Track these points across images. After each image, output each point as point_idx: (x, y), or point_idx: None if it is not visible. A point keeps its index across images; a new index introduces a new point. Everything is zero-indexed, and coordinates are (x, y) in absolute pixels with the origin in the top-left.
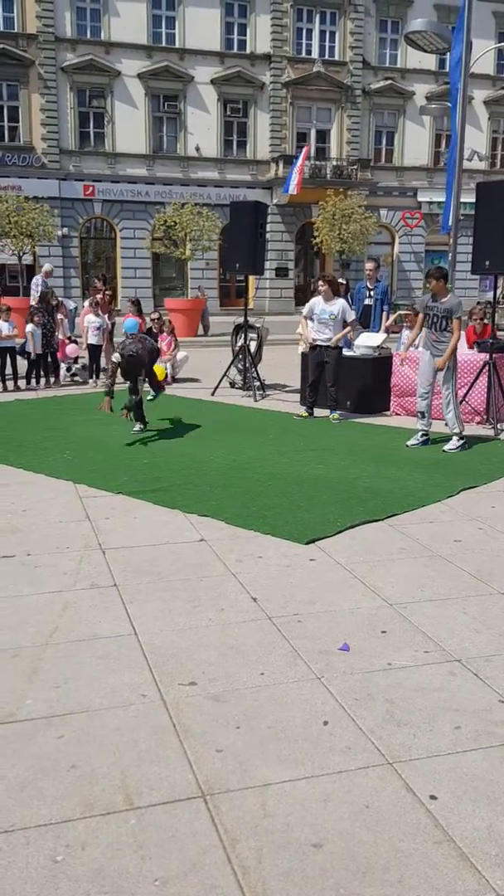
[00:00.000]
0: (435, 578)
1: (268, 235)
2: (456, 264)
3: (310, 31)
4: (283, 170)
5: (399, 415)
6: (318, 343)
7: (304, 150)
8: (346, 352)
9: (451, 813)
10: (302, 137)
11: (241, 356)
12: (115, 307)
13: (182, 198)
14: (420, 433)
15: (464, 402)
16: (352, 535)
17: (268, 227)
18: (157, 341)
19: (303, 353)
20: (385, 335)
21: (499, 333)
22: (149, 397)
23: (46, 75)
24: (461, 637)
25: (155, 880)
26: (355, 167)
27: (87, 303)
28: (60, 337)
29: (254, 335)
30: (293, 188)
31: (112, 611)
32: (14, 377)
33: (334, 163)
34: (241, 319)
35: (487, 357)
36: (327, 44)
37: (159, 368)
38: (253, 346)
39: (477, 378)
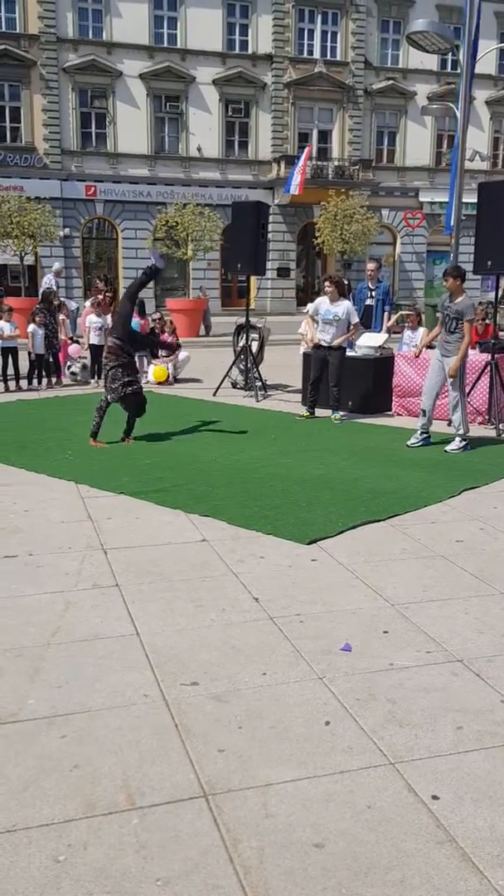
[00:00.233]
0: (437, 579)
1: (269, 236)
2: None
3: (311, 32)
4: (285, 170)
5: (401, 415)
6: (322, 343)
7: (306, 150)
8: (348, 352)
9: (452, 813)
10: (304, 138)
11: (242, 356)
12: (117, 306)
13: (184, 198)
14: (420, 432)
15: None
16: (353, 535)
17: (269, 228)
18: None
19: (305, 353)
20: (387, 335)
21: (500, 334)
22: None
23: (48, 76)
24: (463, 637)
25: (157, 880)
26: (357, 167)
27: (88, 303)
28: (62, 337)
29: (255, 335)
30: (295, 188)
31: (114, 611)
32: (16, 377)
33: (336, 163)
34: (242, 320)
35: (489, 357)
36: (329, 44)
37: (161, 369)
38: (254, 346)
39: (479, 378)
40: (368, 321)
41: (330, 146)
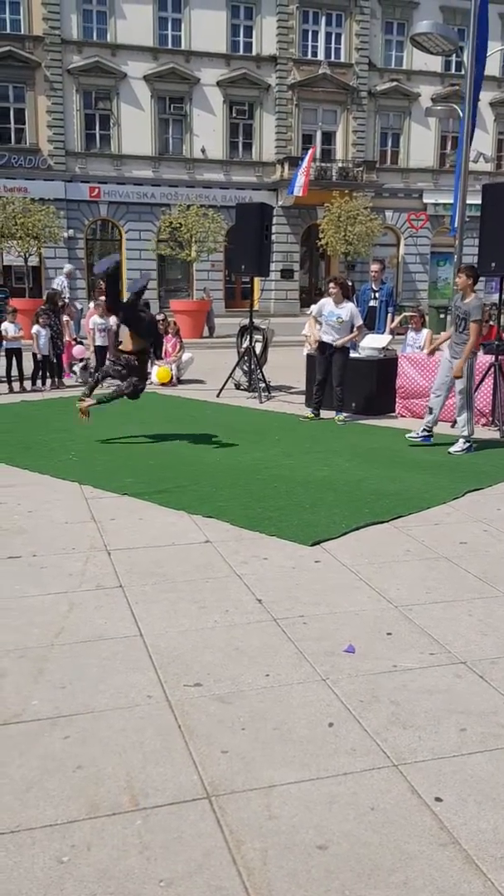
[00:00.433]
0: (440, 580)
1: (273, 237)
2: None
3: (315, 33)
4: (289, 171)
5: (404, 416)
6: (325, 343)
7: (310, 151)
8: (351, 353)
9: (456, 815)
10: (307, 139)
11: (246, 358)
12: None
13: (188, 199)
14: (422, 428)
15: None
16: (357, 536)
17: (273, 229)
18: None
19: (308, 354)
20: (390, 337)
21: None
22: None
23: (53, 77)
24: (467, 639)
25: (160, 881)
26: (361, 169)
27: (92, 304)
28: (67, 338)
29: (259, 337)
30: (299, 190)
31: (117, 612)
32: (20, 378)
33: (340, 164)
34: (246, 321)
35: (493, 359)
36: (333, 46)
37: (164, 370)
38: (258, 347)
39: (482, 380)
40: (372, 323)
41: (334, 148)
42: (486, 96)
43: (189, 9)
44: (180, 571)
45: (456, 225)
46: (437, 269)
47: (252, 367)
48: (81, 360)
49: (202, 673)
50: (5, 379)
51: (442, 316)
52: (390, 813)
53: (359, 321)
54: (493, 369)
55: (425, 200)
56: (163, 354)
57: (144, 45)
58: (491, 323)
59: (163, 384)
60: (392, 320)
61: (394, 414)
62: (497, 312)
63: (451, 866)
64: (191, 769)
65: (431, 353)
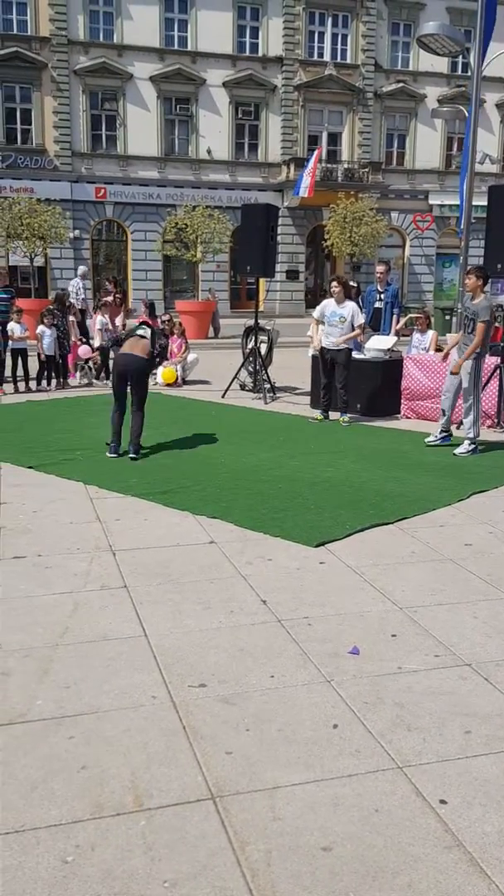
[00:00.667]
0: (445, 582)
1: (279, 238)
2: (468, 267)
3: (322, 34)
4: (295, 172)
5: (409, 418)
6: (329, 348)
7: (316, 152)
8: (356, 354)
9: (460, 818)
10: (313, 140)
11: (251, 358)
12: (128, 307)
13: (193, 200)
14: (440, 431)
15: None
16: (361, 538)
17: (279, 230)
18: (168, 343)
19: (313, 355)
20: (396, 338)
21: None
22: (130, 455)
23: (59, 78)
24: (472, 641)
25: (164, 882)
26: (367, 170)
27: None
28: (73, 339)
29: (264, 337)
30: (305, 191)
31: (122, 612)
32: (25, 378)
33: (346, 165)
34: (251, 322)
35: (499, 361)
36: (339, 47)
37: (170, 371)
38: (263, 348)
39: (488, 382)
40: (377, 324)
41: (340, 149)
42: (492, 97)
43: (195, 10)
44: (185, 572)
45: (462, 226)
46: (443, 271)
47: (257, 367)
48: (87, 360)
49: (206, 674)
50: (11, 379)
51: (447, 317)
52: (395, 815)
53: (359, 320)
54: (498, 371)
55: (431, 202)
56: (168, 355)
57: (151, 46)
58: (497, 325)
59: (168, 385)
60: (397, 322)
61: (399, 415)
62: (503, 314)
63: (456, 869)
64: (195, 770)
65: (445, 357)
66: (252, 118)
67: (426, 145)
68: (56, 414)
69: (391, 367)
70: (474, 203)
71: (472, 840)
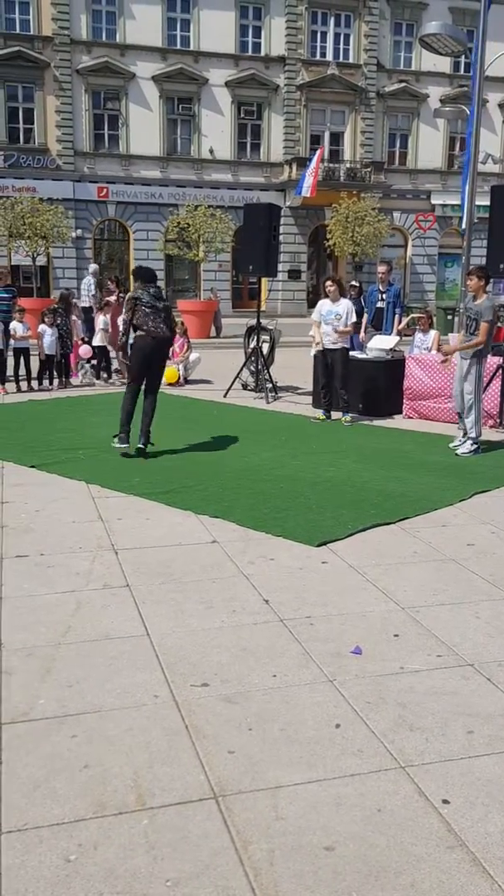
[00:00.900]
0: (447, 582)
1: (281, 238)
2: (470, 267)
3: (324, 34)
4: (297, 172)
5: (411, 418)
6: (325, 347)
7: (318, 152)
8: (358, 354)
9: (463, 818)
10: (316, 140)
11: (253, 358)
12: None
13: (195, 200)
14: (463, 434)
15: None
16: (363, 538)
17: (281, 230)
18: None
19: (315, 355)
20: (398, 338)
21: None
22: (139, 445)
23: (62, 77)
24: (474, 641)
25: (167, 881)
26: (369, 170)
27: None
28: (75, 338)
29: (266, 337)
30: (307, 190)
31: (124, 611)
32: (27, 378)
33: (348, 165)
34: (253, 321)
35: (501, 361)
36: (342, 46)
37: (171, 370)
38: (265, 347)
39: (490, 382)
40: (379, 324)
41: (342, 148)
42: (494, 97)
43: (198, 9)
44: (187, 571)
45: (464, 226)
46: (445, 271)
47: (259, 367)
48: (88, 359)
49: (209, 673)
50: (13, 378)
51: (449, 317)
52: (397, 815)
53: (352, 318)
54: (500, 371)
55: (433, 201)
56: (171, 354)
57: (153, 46)
58: (500, 324)
59: (170, 384)
60: (399, 321)
61: (401, 415)
62: None
63: (459, 869)
64: (197, 769)
65: (445, 360)
66: (254, 118)
67: (428, 145)
68: (58, 413)
69: (393, 367)
70: (477, 203)
71: (475, 840)
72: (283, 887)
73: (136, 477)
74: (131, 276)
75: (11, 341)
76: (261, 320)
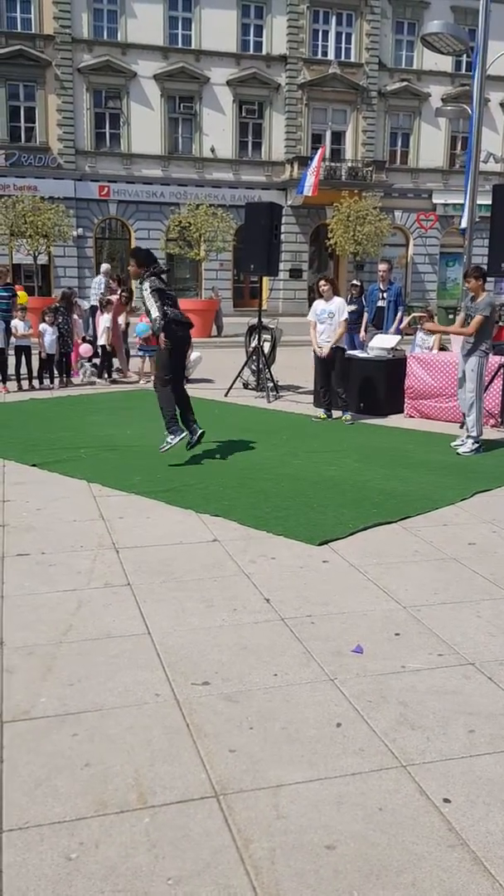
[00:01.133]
0: (449, 581)
1: (282, 237)
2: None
3: (326, 33)
4: (298, 171)
5: (413, 417)
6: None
7: (320, 151)
8: (359, 353)
9: (464, 817)
10: (317, 139)
11: (254, 357)
12: (132, 307)
13: (197, 199)
14: (465, 434)
15: None
16: (365, 537)
17: (282, 229)
18: None
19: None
20: (399, 337)
21: None
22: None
23: (63, 76)
24: (475, 640)
25: (168, 879)
26: (370, 169)
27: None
28: (76, 338)
29: (267, 336)
30: (309, 189)
31: (126, 610)
32: (29, 376)
33: (349, 164)
34: (254, 320)
35: (502, 360)
36: (343, 45)
37: None
38: (266, 347)
39: (491, 381)
40: (381, 323)
41: (343, 147)
42: (496, 96)
43: (199, 8)
44: (188, 570)
45: (465, 224)
46: (447, 270)
47: (260, 366)
48: (89, 358)
49: (210, 672)
50: (14, 377)
51: (451, 316)
52: (398, 814)
53: (343, 316)
54: (502, 370)
55: (435, 201)
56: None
57: (155, 45)
58: (500, 324)
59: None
60: (400, 320)
61: (402, 414)
62: None
63: (460, 868)
64: (199, 768)
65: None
66: (256, 117)
67: (430, 144)
68: (59, 412)
69: (395, 366)
70: (479, 202)
71: (476, 839)
72: (284, 886)
73: (137, 476)
74: (133, 258)
75: (13, 339)
76: (262, 319)
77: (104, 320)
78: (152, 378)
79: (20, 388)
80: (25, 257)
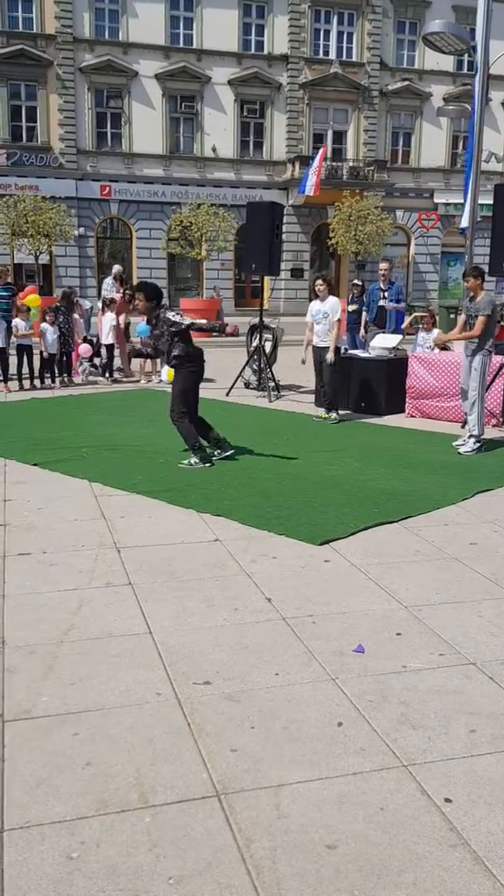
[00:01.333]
0: (450, 581)
1: (283, 236)
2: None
3: (327, 32)
4: (300, 171)
5: (414, 417)
6: (317, 346)
7: (321, 151)
8: (361, 353)
9: (465, 816)
10: (318, 138)
11: (256, 357)
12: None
13: (198, 198)
14: (467, 434)
15: None
16: (366, 536)
17: (283, 228)
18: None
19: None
20: (400, 337)
21: None
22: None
23: (64, 76)
24: (476, 640)
25: (169, 878)
26: (372, 168)
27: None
28: (76, 337)
29: (269, 336)
30: (310, 189)
31: (127, 609)
32: (30, 376)
33: (351, 164)
34: (256, 320)
35: (503, 359)
36: (345, 45)
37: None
38: (268, 346)
39: (493, 380)
40: (381, 322)
41: (345, 147)
42: (497, 96)
43: (201, 7)
44: (189, 569)
45: (465, 223)
46: (448, 269)
47: (262, 366)
48: (89, 358)
49: (211, 671)
50: (16, 376)
51: (452, 316)
52: (399, 813)
53: (336, 315)
54: (502, 370)
55: (436, 200)
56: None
57: (156, 44)
58: (502, 323)
59: (171, 383)
60: (401, 314)
61: (404, 414)
62: None
63: (461, 867)
64: (200, 767)
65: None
66: (257, 116)
67: (432, 144)
68: (61, 411)
69: (396, 366)
70: (480, 202)
71: (477, 839)
72: (286, 885)
73: (138, 475)
74: (141, 292)
75: (13, 339)
76: (263, 319)
77: (108, 319)
78: (153, 377)
79: (21, 388)
80: (27, 257)
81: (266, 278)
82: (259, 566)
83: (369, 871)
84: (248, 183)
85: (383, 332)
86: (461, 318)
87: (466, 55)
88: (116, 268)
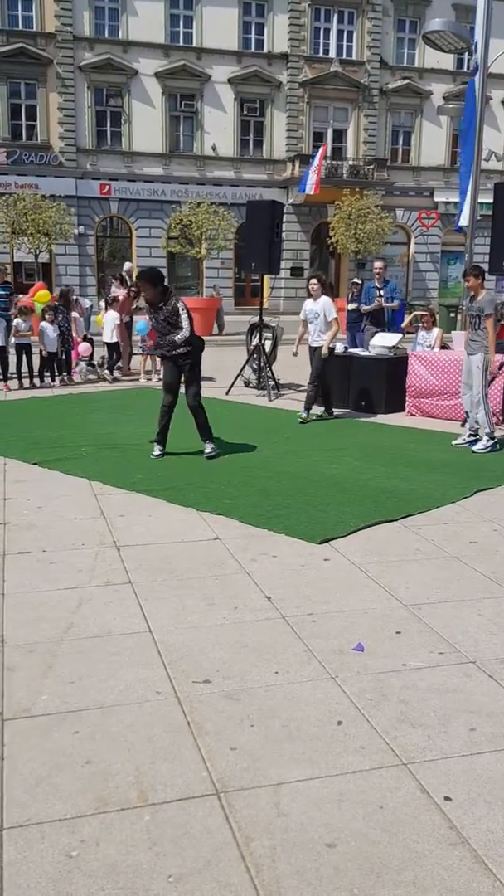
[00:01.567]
0: (450, 580)
1: (283, 235)
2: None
3: (327, 31)
4: (300, 169)
5: (414, 415)
6: (311, 345)
7: (321, 149)
8: (360, 352)
9: (465, 815)
10: (318, 137)
11: (255, 355)
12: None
13: (198, 197)
14: (467, 433)
15: None
16: (366, 535)
17: (283, 227)
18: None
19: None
20: (400, 335)
21: None
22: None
23: (64, 74)
24: (476, 639)
25: (169, 877)
26: (372, 167)
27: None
28: (75, 336)
29: (269, 335)
30: (310, 188)
31: (127, 608)
32: (30, 375)
33: (350, 162)
34: (256, 319)
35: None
36: (345, 43)
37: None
38: (268, 345)
39: (493, 379)
40: (378, 321)
41: (345, 145)
42: (497, 94)
43: (201, 6)
44: (189, 568)
45: (464, 222)
46: (448, 268)
47: (261, 364)
48: (88, 357)
49: (211, 670)
50: (15, 375)
51: (452, 314)
52: (399, 812)
53: (331, 315)
54: (503, 369)
55: (436, 199)
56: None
57: (156, 43)
58: (502, 322)
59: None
60: (399, 311)
61: (404, 413)
62: None
63: (461, 866)
64: (199, 766)
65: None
66: (257, 115)
67: (432, 142)
68: (60, 410)
69: (396, 365)
70: (480, 200)
71: (477, 837)
72: (285, 884)
73: (138, 474)
74: (146, 282)
75: (12, 338)
76: (263, 318)
77: (112, 317)
78: (153, 376)
79: (21, 387)
80: (27, 255)
81: (266, 277)
82: (259, 565)
83: (369, 869)
84: (248, 181)
85: (381, 331)
86: (466, 321)
87: (466, 53)
88: (128, 265)
